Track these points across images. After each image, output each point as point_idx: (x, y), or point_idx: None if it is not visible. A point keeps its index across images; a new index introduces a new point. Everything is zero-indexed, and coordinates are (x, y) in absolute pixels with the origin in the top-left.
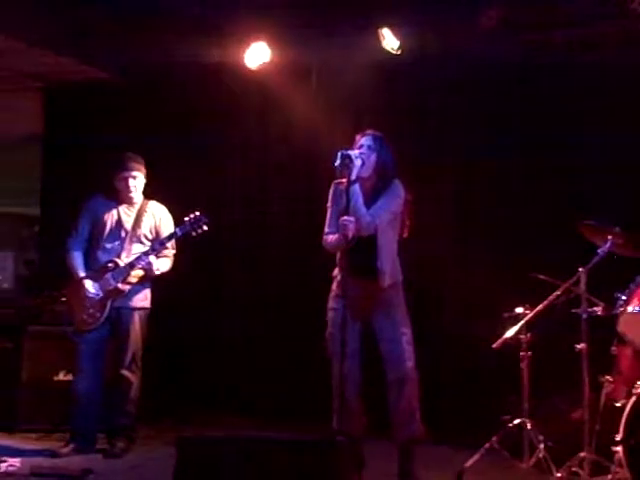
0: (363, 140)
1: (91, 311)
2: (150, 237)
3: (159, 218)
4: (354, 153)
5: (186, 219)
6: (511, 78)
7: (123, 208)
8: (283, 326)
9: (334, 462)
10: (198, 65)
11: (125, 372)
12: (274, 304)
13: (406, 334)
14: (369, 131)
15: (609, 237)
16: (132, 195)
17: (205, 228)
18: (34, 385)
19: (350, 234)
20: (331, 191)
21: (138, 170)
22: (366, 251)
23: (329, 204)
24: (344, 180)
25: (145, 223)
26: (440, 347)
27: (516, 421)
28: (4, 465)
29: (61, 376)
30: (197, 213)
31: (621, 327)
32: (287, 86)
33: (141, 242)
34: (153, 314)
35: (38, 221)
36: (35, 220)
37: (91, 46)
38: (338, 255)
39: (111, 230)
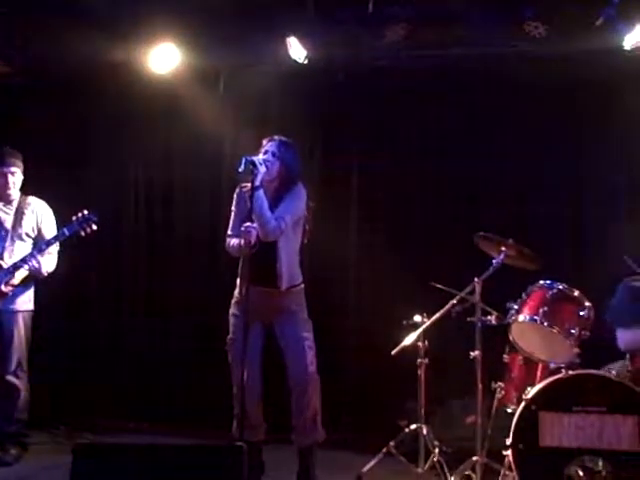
0: (268, 146)
1: None
2: (32, 235)
3: (40, 215)
4: (258, 159)
5: (74, 218)
6: (413, 89)
7: (0, 206)
8: (185, 330)
9: (234, 468)
10: (102, 65)
11: (11, 378)
12: (176, 309)
13: (307, 339)
14: (275, 137)
15: (503, 249)
16: (10, 192)
17: (94, 227)
18: None
19: (253, 240)
20: (235, 195)
21: (15, 166)
22: (266, 256)
23: (233, 208)
24: (248, 185)
25: (26, 221)
26: (341, 352)
27: (413, 426)
28: None
29: None
30: (85, 212)
31: (512, 335)
32: (194, 90)
33: (23, 240)
34: (49, 312)
35: None
36: None
37: None
38: (240, 262)
39: None
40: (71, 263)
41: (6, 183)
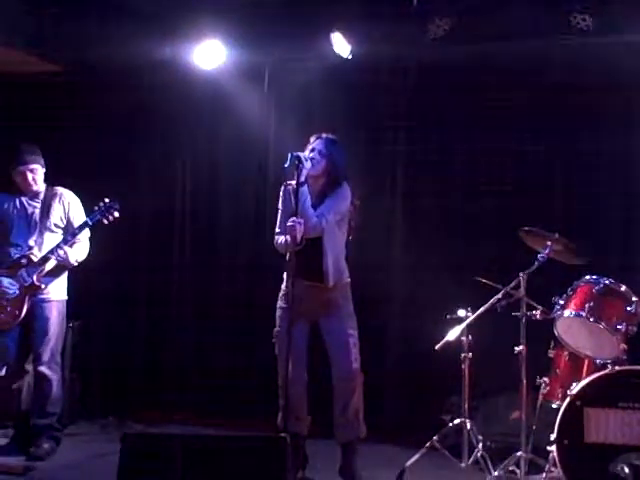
0: (316, 143)
1: (9, 309)
2: (62, 225)
3: (67, 204)
4: (304, 155)
5: (96, 207)
6: (460, 86)
7: (27, 200)
8: (232, 324)
9: (278, 459)
10: (149, 63)
11: (43, 369)
12: (224, 303)
13: (352, 335)
14: (323, 134)
15: (548, 243)
16: (32, 188)
17: (116, 215)
18: None
19: (299, 236)
20: (281, 192)
21: (34, 162)
22: (312, 252)
23: (279, 205)
24: (293, 182)
25: (54, 212)
26: (384, 348)
27: (456, 421)
28: None
29: (3, 372)
30: (107, 200)
31: (558, 330)
32: (240, 86)
33: (52, 232)
34: (101, 306)
35: None
36: None
37: (37, 39)
38: (287, 255)
39: (19, 224)
40: (116, 258)
41: (25, 180)
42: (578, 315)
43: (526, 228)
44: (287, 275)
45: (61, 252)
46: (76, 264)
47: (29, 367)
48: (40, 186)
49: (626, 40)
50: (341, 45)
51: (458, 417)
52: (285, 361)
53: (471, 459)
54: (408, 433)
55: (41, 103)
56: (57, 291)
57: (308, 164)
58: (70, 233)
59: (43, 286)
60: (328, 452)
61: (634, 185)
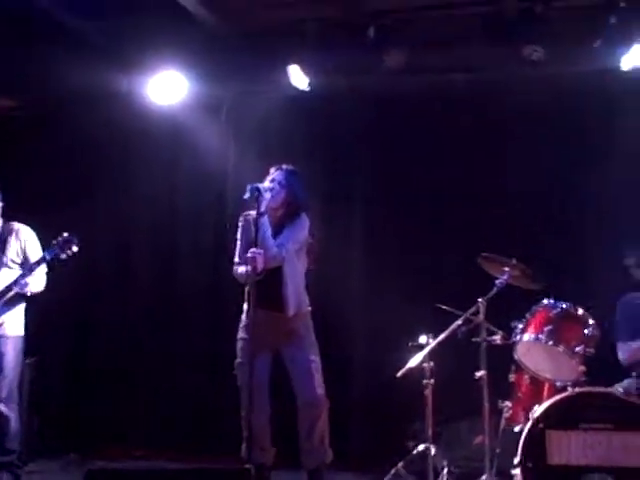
0: (276, 174)
1: None
2: (18, 260)
3: (24, 240)
4: (263, 187)
5: (54, 242)
6: (416, 115)
7: None
8: (192, 356)
9: None
10: (106, 95)
11: (1, 407)
12: (184, 335)
13: (315, 361)
14: (283, 166)
15: (506, 269)
16: None
17: (75, 249)
18: None
19: (259, 266)
20: (240, 223)
21: None
22: (272, 281)
23: (238, 236)
24: (253, 212)
25: (11, 248)
26: (347, 376)
27: (421, 447)
28: None
29: None
30: (65, 234)
31: (518, 354)
32: (198, 119)
33: (9, 267)
34: (58, 341)
35: None
36: None
37: None
38: (247, 287)
39: None
40: (73, 290)
41: None
42: (537, 339)
43: (484, 254)
44: (247, 306)
45: (21, 284)
46: (29, 294)
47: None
48: None
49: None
50: (298, 77)
51: (422, 443)
52: (247, 392)
53: None
54: (373, 460)
55: None
56: (14, 327)
57: (268, 195)
58: (27, 268)
59: (1, 321)
60: None
61: (589, 209)
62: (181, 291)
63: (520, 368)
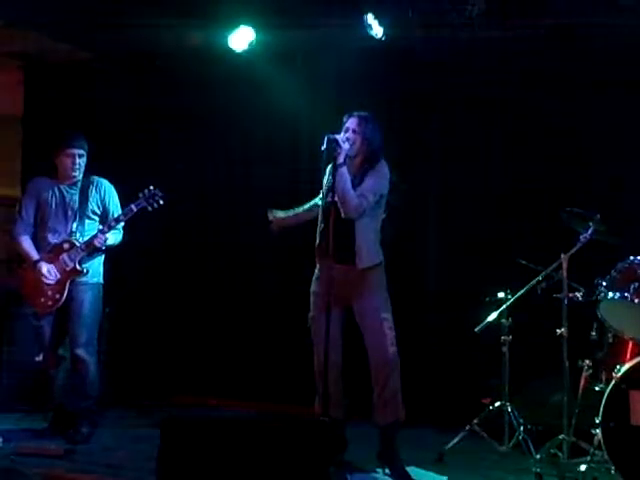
0: (349, 122)
1: (50, 293)
2: (98, 212)
3: (104, 192)
4: (341, 137)
5: (140, 194)
6: (497, 67)
7: (65, 187)
8: (265, 309)
9: (318, 442)
10: (182, 48)
11: (81, 352)
12: (256, 287)
13: (387, 319)
14: (355, 112)
15: (590, 224)
16: (74, 174)
17: (161, 202)
18: (15, 366)
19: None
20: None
21: (83, 149)
22: (344, 234)
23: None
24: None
25: (92, 199)
26: (422, 331)
27: (497, 404)
28: None
29: (41, 357)
30: (151, 187)
31: (601, 312)
32: (272, 69)
33: (90, 218)
34: (135, 292)
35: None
36: (15, 201)
37: (73, 26)
38: (318, 238)
39: (57, 211)
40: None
41: (73, 164)
42: (623, 297)
43: (567, 209)
44: (319, 258)
45: (103, 237)
46: (105, 246)
47: (64, 352)
48: (81, 173)
49: None
50: (375, 27)
51: (499, 400)
52: (321, 346)
53: (512, 442)
54: (448, 416)
55: (74, 90)
56: (93, 275)
57: (346, 145)
58: (114, 219)
59: (85, 270)
60: (368, 436)
61: None
62: (255, 242)
63: (603, 326)
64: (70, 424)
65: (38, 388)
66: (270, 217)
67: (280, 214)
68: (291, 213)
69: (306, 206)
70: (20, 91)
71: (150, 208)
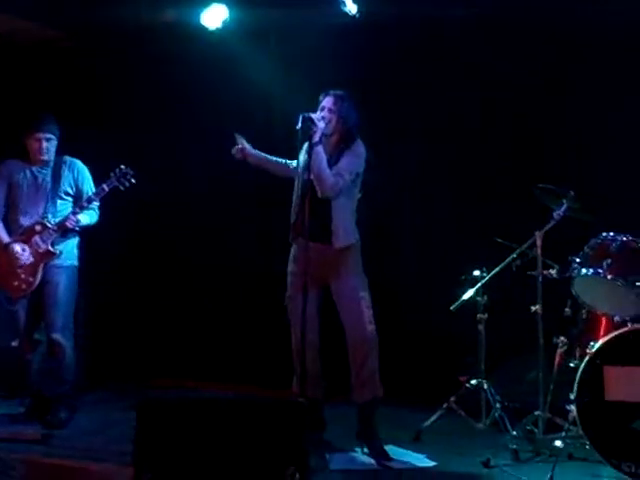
0: (325, 101)
1: (23, 277)
2: (71, 193)
3: (77, 172)
4: (316, 115)
5: (112, 174)
6: (472, 39)
7: (37, 168)
8: (242, 289)
9: (296, 423)
10: (154, 25)
11: (57, 337)
12: (234, 267)
13: (364, 298)
14: (330, 91)
15: (564, 201)
16: (43, 158)
17: (133, 181)
18: None
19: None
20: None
21: (51, 132)
22: (321, 212)
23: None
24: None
25: (64, 180)
26: (399, 309)
27: (473, 381)
28: None
29: (17, 342)
30: (122, 167)
31: (575, 289)
32: (246, 47)
33: (63, 199)
34: (111, 273)
35: None
36: None
37: (42, 4)
38: (292, 218)
39: (29, 192)
40: (112, 226)
41: (40, 148)
42: (596, 273)
43: (541, 185)
44: (294, 237)
45: (75, 218)
46: (79, 225)
47: (39, 336)
48: (51, 156)
49: None
50: (349, 3)
51: (475, 378)
52: (299, 326)
53: (489, 420)
54: (425, 394)
55: (43, 70)
56: (67, 257)
57: (321, 124)
58: (86, 199)
59: (59, 252)
60: (346, 415)
61: None
62: (232, 220)
63: (577, 303)
64: (47, 409)
65: (14, 373)
66: (238, 142)
67: (248, 146)
68: (261, 154)
69: (279, 159)
70: None
71: (122, 187)
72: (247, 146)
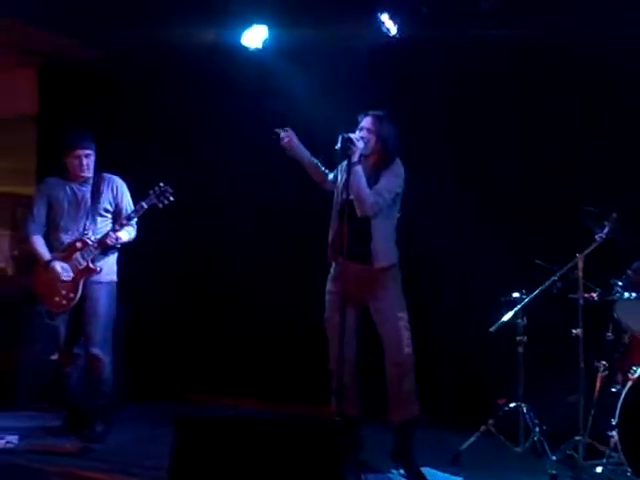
0: (364, 122)
1: (64, 292)
2: (111, 210)
3: (116, 189)
4: (355, 135)
5: (151, 191)
6: (508, 63)
7: (77, 186)
8: (281, 308)
9: (332, 442)
10: (195, 46)
11: (96, 351)
12: (272, 286)
13: (402, 319)
14: (370, 112)
15: (606, 223)
16: (83, 174)
17: (171, 199)
18: (33, 364)
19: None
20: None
21: (89, 148)
22: (361, 232)
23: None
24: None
25: (104, 197)
26: (438, 330)
27: (512, 405)
28: (2, 442)
29: (57, 355)
30: (162, 184)
31: (617, 313)
32: (285, 67)
33: (103, 216)
34: (145, 289)
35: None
36: (30, 200)
37: (86, 24)
38: (330, 237)
39: (69, 209)
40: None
41: (80, 165)
42: (639, 297)
43: (585, 207)
44: (333, 257)
45: (115, 236)
46: (119, 243)
47: (79, 351)
48: (91, 172)
49: None
50: (388, 24)
51: (513, 401)
52: (336, 345)
53: (527, 443)
54: (463, 417)
55: (88, 89)
56: (107, 273)
57: (360, 144)
58: (125, 216)
59: (99, 269)
60: (383, 436)
61: None
62: (270, 240)
63: (619, 327)
64: (85, 422)
65: (54, 386)
66: (284, 133)
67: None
68: (306, 151)
69: (320, 165)
70: (36, 90)
71: (161, 205)
72: (295, 138)
